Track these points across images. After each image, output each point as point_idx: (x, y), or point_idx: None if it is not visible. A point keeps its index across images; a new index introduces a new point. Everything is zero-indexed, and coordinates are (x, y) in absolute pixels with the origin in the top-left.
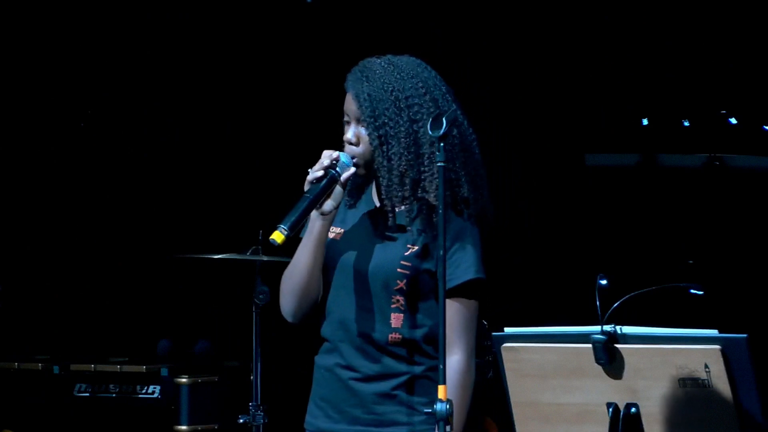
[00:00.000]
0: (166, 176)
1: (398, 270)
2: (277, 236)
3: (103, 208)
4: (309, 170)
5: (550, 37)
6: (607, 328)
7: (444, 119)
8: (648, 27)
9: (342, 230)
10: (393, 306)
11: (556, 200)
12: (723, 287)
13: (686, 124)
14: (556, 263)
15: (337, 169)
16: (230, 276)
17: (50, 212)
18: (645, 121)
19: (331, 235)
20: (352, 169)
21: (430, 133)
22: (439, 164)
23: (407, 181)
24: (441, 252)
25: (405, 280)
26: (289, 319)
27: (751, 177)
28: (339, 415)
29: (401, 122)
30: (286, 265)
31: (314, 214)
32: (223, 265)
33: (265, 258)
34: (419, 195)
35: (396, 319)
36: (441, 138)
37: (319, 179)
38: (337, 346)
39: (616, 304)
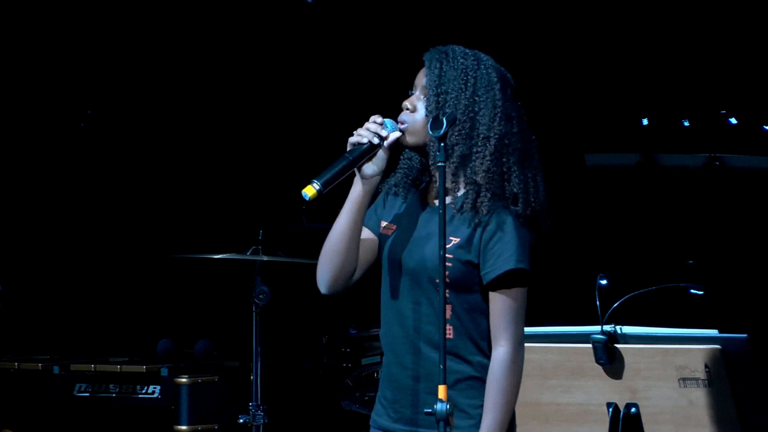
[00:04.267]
0: (165, 176)
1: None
2: (309, 190)
3: (103, 208)
4: (354, 132)
5: (550, 37)
6: (607, 328)
7: (444, 119)
8: (648, 27)
9: (395, 226)
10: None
11: (556, 200)
12: (723, 287)
13: (686, 124)
14: (556, 263)
15: (382, 132)
16: (230, 276)
17: (50, 212)
18: (645, 121)
19: (382, 231)
20: (398, 133)
21: (431, 132)
22: (439, 164)
23: (456, 154)
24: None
25: (448, 272)
26: (321, 289)
27: (751, 177)
28: (396, 415)
29: (462, 97)
30: (286, 265)
31: (357, 177)
32: (223, 265)
33: (265, 258)
34: (468, 175)
35: (446, 311)
36: (441, 138)
37: (360, 143)
38: (392, 344)
39: (616, 304)
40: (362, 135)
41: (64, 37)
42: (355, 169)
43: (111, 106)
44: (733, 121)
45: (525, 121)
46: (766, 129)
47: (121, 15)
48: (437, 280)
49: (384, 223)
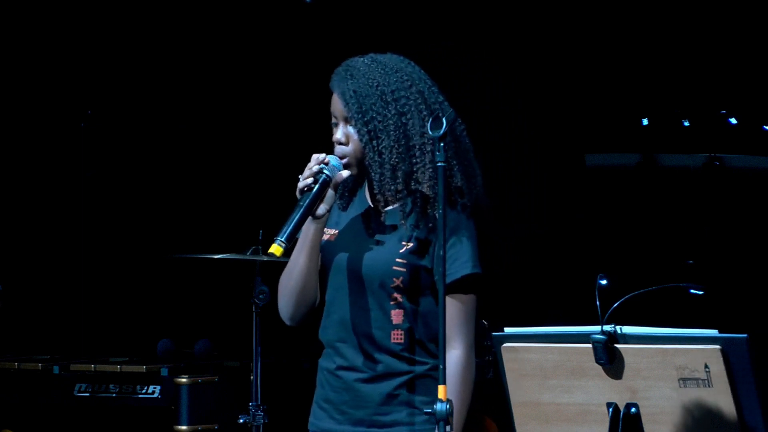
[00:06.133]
0: (165, 176)
1: (394, 268)
2: (276, 250)
3: (103, 208)
4: (299, 177)
5: (550, 37)
6: (607, 328)
7: (444, 119)
8: (647, 27)
9: (336, 231)
10: (392, 303)
11: (556, 200)
12: (723, 287)
13: (686, 124)
14: (556, 263)
15: (327, 172)
16: (230, 276)
17: (50, 212)
18: (645, 121)
19: (325, 237)
20: (346, 172)
21: (430, 133)
22: (439, 164)
23: (399, 174)
24: (441, 252)
25: (402, 278)
26: (287, 322)
27: (751, 177)
28: (342, 417)
29: (389, 116)
30: (286, 265)
31: (308, 218)
32: (223, 265)
33: (265, 258)
34: (413, 187)
35: (396, 316)
36: (441, 138)
37: (310, 187)
38: (339, 348)
39: (616, 304)
40: (311, 180)
41: (64, 37)
42: None
43: (111, 106)
44: (733, 121)
45: (447, 105)
46: (766, 129)
47: (120, 15)
48: (391, 285)
49: (325, 230)
